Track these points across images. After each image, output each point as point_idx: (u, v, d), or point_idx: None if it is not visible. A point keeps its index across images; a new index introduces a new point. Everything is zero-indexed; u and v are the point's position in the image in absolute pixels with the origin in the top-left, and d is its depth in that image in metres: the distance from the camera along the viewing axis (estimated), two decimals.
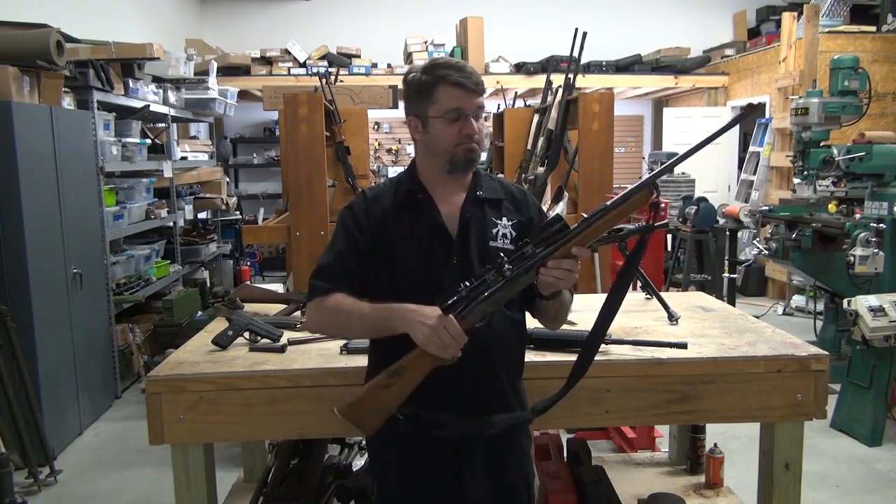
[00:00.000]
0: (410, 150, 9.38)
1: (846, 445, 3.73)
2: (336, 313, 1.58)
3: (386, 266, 1.60)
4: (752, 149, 7.45)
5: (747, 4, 8.86)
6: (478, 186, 1.66)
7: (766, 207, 4.99)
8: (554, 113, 3.90)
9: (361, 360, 1.83)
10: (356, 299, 1.56)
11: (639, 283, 2.72)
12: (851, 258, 3.95)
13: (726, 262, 5.25)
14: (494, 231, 1.63)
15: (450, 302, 1.46)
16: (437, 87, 1.56)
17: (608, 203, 1.48)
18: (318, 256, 1.67)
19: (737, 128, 8.23)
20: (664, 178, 5.65)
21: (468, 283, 1.48)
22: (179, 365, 1.95)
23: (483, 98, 1.61)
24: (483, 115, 1.61)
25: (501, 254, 1.50)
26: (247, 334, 2.13)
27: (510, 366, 1.68)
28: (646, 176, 1.58)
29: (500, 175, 4.20)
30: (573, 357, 1.97)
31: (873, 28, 6.63)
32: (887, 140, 4.46)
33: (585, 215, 1.50)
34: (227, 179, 8.04)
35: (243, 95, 7.89)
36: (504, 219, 1.65)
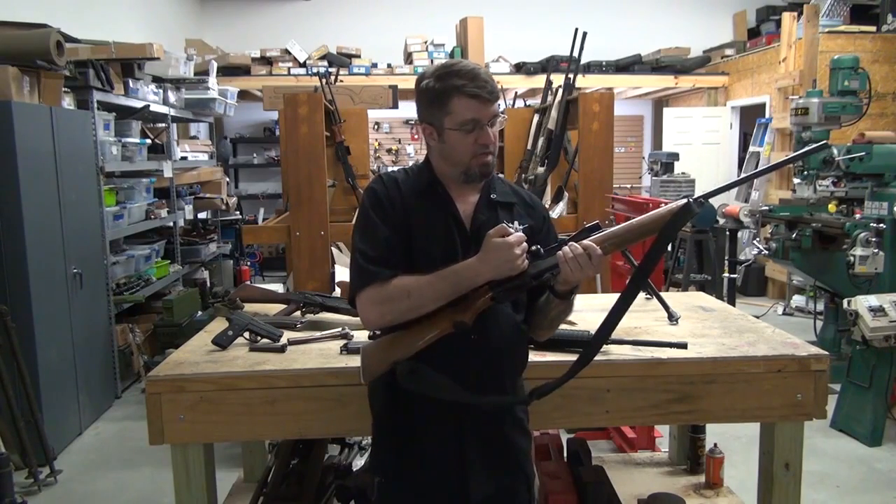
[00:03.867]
0: (410, 150, 9.37)
1: (846, 445, 3.73)
2: (405, 292, 1.54)
3: (406, 252, 1.59)
4: (752, 149, 7.45)
5: (747, 4, 8.86)
6: (491, 189, 1.67)
7: (766, 207, 4.99)
8: (554, 113, 3.89)
9: None
10: (412, 276, 1.56)
11: None
12: (851, 258, 3.95)
13: (726, 262, 5.24)
14: None
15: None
16: (452, 98, 1.54)
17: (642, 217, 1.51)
18: (359, 243, 1.61)
19: (737, 127, 8.27)
20: (664, 178, 5.64)
21: None
22: (179, 365, 1.95)
23: (497, 104, 1.59)
24: (498, 120, 1.59)
25: (534, 247, 1.54)
26: (247, 334, 2.13)
27: (514, 365, 1.70)
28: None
29: (501, 175, 4.19)
30: (573, 357, 1.97)
31: (873, 28, 6.63)
32: (887, 140, 4.46)
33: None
34: (227, 179, 8.05)
35: (243, 95, 7.89)
36: (516, 222, 1.64)
